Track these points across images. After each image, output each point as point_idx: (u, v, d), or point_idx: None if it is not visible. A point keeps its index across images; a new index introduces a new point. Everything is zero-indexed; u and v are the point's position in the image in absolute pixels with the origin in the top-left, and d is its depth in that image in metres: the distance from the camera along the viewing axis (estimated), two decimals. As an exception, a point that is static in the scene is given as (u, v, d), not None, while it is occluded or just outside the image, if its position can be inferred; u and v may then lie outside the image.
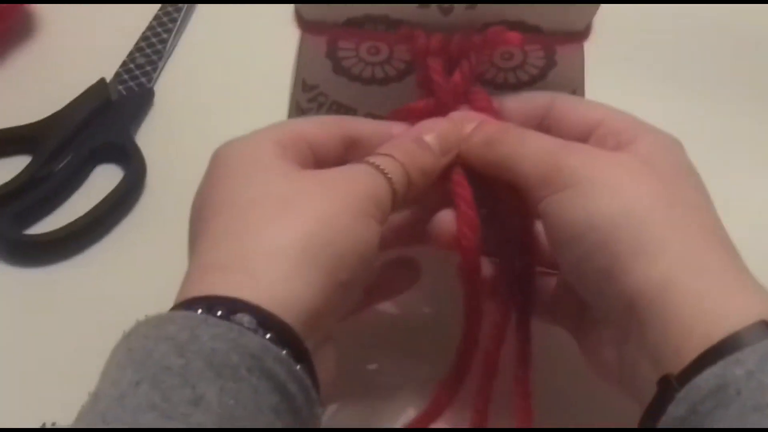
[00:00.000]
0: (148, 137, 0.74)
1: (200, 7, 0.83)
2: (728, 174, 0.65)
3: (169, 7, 0.82)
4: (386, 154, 0.52)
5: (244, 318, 0.43)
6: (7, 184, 0.69)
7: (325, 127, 0.54)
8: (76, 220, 0.67)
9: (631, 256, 0.47)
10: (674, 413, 0.43)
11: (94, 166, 0.72)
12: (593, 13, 0.56)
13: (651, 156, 0.50)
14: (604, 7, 0.55)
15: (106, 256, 0.67)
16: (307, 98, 0.59)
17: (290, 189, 0.48)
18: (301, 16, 0.56)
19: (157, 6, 0.82)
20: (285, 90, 0.60)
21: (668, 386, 0.44)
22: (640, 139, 0.51)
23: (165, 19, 0.81)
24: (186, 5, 0.82)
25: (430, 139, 0.54)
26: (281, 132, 0.52)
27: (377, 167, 0.51)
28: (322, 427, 0.47)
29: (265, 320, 0.43)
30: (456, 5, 0.54)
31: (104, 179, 0.71)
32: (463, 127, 0.55)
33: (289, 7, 0.56)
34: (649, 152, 0.51)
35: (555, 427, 0.56)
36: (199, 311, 0.43)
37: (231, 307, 0.43)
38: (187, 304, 0.44)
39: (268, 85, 0.63)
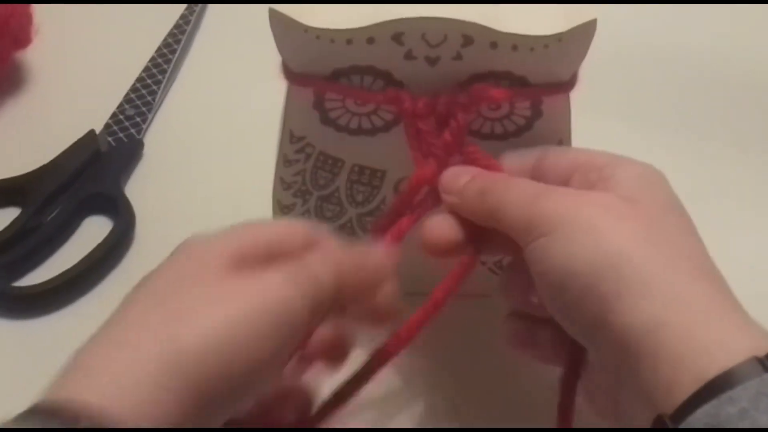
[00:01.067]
0: (138, 188, 0.74)
1: (189, 59, 0.84)
2: (715, 219, 0.65)
3: (159, 59, 0.82)
4: (320, 260, 0.50)
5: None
6: (-4, 235, 0.69)
7: (290, 233, 0.51)
8: (65, 272, 0.67)
9: (617, 299, 0.46)
10: None
11: (83, 218, 0.72)
12: (579, 63, 0.56)
13: (632, 191, 0.50)
14: (589, 56, 0.55)
15: (96, 308, 0.66)
16: (295, 150, 0.59)
17: (194, 297, 0.46)
18: (288, 67, 0.56)
19: (147, 58, 0.82)
20: (273, 142, 0.60)
21: (662, 426, 0.43)
22: (621, 172, 0.51)
23: (154, 70, 0.82)
24: (176, 55, 0.83)
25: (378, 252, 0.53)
26: (242, 237, 0.50)
27: (298, 281, 0.48)
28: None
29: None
30: (442, 57, 0.54)
31: (94, 231, 0.71)
32: (458, 179, 0.55)
33: (277, 59, 0.56)
34: (630, 186, 0.50)
35: (555, 427, 0.55)
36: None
37: (73, 413, 0.41)
38: (34, 410, 0.42)
39: (256, 136, 0.64)
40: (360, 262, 0.52)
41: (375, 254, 0.53)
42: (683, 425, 0.42)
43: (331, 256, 0.50)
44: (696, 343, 0.44)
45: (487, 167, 0.55)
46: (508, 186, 0.53)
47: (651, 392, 0.45)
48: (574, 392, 0.54)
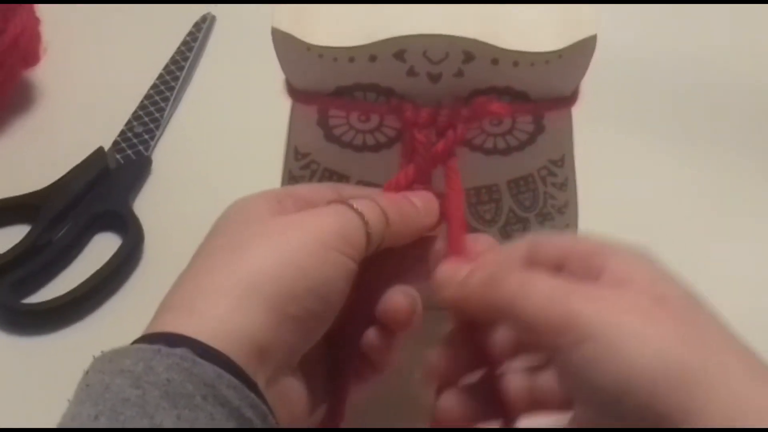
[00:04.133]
0: (146, 205, 0.74)
1: (197, 76, 0.85)
2: (720, 228, 0.66)
3: (167, 76, 0.83)
4: (367, 198, 0.53)
5: (184, 352, 0.44)
6: (6, 253, 0.70)
7: (319, 187, 0.57)
8: (74, 289, 0.68)
9: (681, 414, 0.43)
10: None
11: (92, 235, 0.73)
12: (580, 78, 0.56)
13: (657, 288, 0.47)
14: (590, 70, 0.56)
15: (105, 324, 0.67)
16: (299, 166, 0.59)
17: (257, 232, 0.50)
18: (291, 85, 0.57)
19: (155, 75, 0.83)
20: (280, 158, 0.61)
21: None
22: (620, 263, 0.48)
23: (162, 87, 0.82)
24: (183, 72, 0.83)
25: (414, 198, 0.55)
26: (281, 190, 0.55)
27: (351, 206, 0.52)
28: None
29: (204, 353, 0.45)
30: (444, 73, 0.55)
31: (102, 248, 0.72)
32: (457, 272, 0.52)
33: (282, 76, 0.57)
34: (653, 285, 0.47)
35: (554, 427, 0.56)
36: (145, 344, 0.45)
37: (171, 341, 0.45)
38: (135, 342, 0.46)
39: (263, 153, 0.64)
40: (401, 204, 0.54)
41: (409, 198, 0.55)
42: None
43: (378, 198, 0.54)
44: None
45: (453, 187, 0.55)
46: (527, 279, 0.49)
47: None
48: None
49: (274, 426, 0.46)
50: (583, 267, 0.48)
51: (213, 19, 0.90)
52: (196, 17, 0.89)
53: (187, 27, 0.88)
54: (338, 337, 0.55)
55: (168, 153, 0.78)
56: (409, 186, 0.56)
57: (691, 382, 0.43)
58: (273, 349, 0.47)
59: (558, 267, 0.49)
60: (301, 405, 0.51)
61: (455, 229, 0.56)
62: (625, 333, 0.44)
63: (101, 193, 0.74)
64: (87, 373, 0.45)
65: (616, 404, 0.44)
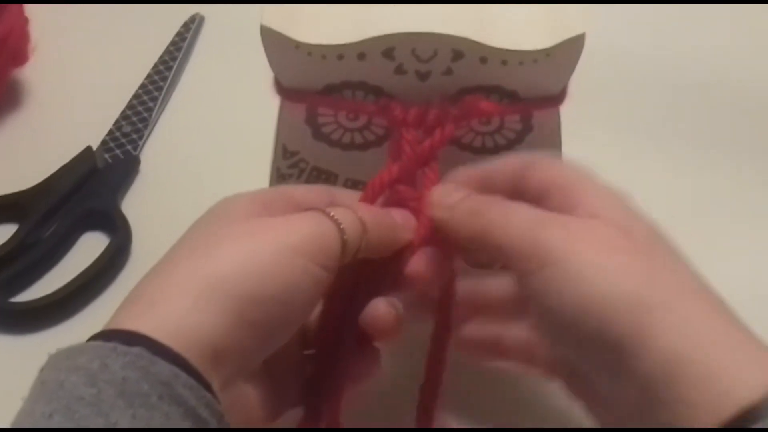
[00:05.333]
0: (134, 205, 0.74)
1: (185, 76, 0.85)
2: (707, 230, 0.66)
3: (155, 76, 0.83)
4: (346, 207, 0.53)
5: (140, 350, 0.44)
6: (-7, 252, 0.70)
7: (309, 189, 0.56)
8: (62, 288, 0.68)
9: (636, 339, 0.45)
10: None
11: (80, 234, 0.73)
12: (568, 77, 0.56)
13: (619, 217, 0.49)
14: (578, 69, 0.56)
15: (93, 323, 0.65)
16: (288, 164, 0.60)
17: (228, 232, 0.50)
18: (280, 83, 0.57)
19: (144, 75, 0.83)
20: (269, 156, 0.61)
21: None
22: (591, 197, 0.50)
23: (150, 87, 0.82)
24: (172, 72, 0.83)
25: (394, 213, 0.55)
26: (269, 191, 0.54)
27: (328, 215, 0.51)
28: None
29: (159, 352, 0.44)
30: (433, 71, 0.55)
31: (90, 247, 0.71)
32: (449, 196, 0.54)
33: (272, 74, 0.57)
34: (614, 213, 0.50)
35: (554, 427, 0.56)
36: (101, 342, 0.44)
37: (127, 339, 0.44)
38: (92, 338, 0.45)
39: (252, 152, 0.64)
40: (380, 217, 0.54)
41: (389, 213, 0.55)
42: None
43: (357, 207, 0.53)
44: (712, 381, 0.43)
45: (426, 186, 0.56)
46: (506, 210, 0.52)
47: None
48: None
49: (229, 427, 0.46)
50: (562, 198, 0.51)
51: (202, 19, 0.90)
52: (184, 17, 0.89)
53: (176, 27, 0.88)
54: (321, 345, 0.56)
55: (156, 152, 0.78)
56: (393, 185, 0.56)
57: (645, 311, 0.45)
58: (229, 352, 0.47)
59: (542, 195, 0.52)
60: (257, 410, 0.51)
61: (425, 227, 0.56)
62: (586, 261, 0.47)
63: (89, 193, 0.74)
64: (42, 370, 0.45)
65: (573, 328, 0.47)
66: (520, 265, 0.50)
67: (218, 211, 0.53)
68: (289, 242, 0.49)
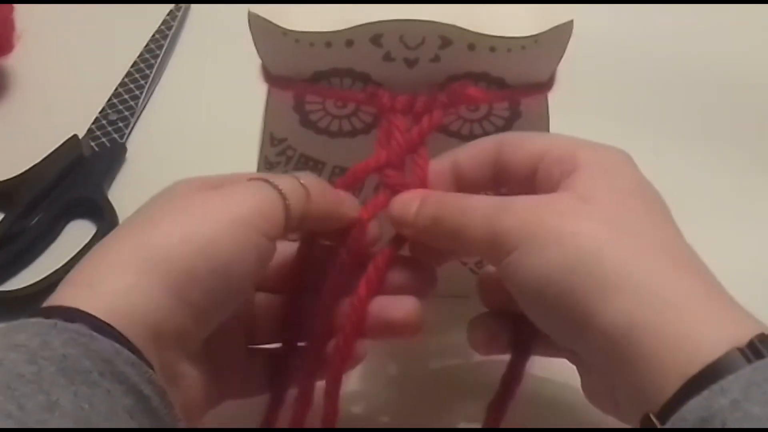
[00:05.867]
0: (121, 192, 0.74)
1: (172, 64, 0.84)
2: (701, 218, 0.66)
3: (141, 64, 0.83)
4: (291, 176, 0.53)
5: (81, 327, 0.44)
6: (-21, 241, 0.70)
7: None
8: (49, 276, 0.68)
9: (591, 302, 0.46)
10: None
11: (66, 222, 0.73)
12: (556, 64, 0.56)
13: (592, 186, 0.50)
14: (566, 56, 0.56)
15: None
16: (276, 152, 0.59)
17: (170, 208, 0.50)
18: (267, 70, 0.57)
19: (129, 63, 0.83)
20: (256, 144, 0.61)
21: (650, 424, 0.43)
22: (582, 167, 0.51)
23: (136, 75, 0.82)
24: (158, 60, 0.83)
25: (338, 189, 0.55)
26: (212, 176, 0.54)
27: (269, 182, 0.51)
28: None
29: (99, 329, 0.44)
30: (421, 59, 0.55)
31: (77, 235, 0.71)
32: (408, 209, 0.54)
33: (259, 62, 0.57)
34: (590, 183, 0.50)
35: (554, 427, 0.56)
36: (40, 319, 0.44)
37: (67, 315, 0.44)
38: (32, 315, 0.45)
39: (238, 139, 0.64)
40: (324, 187, 0.54)
41: (333, 188, 0.55)
42: (674, 418, 0.42)
43: (300, 180, 0.53)
44: (673, 340, 0.44)
45: (419, 176, 0.55)
46: (462, 207, 0.52)
47: (639, 392, 0.45)
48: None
49: (171, 404, 0.46)
50: (554, 176, 0.51)
51: (187, 8, 0.89)
52: (170, 5, 0.88)
53: (162, 15, 0.87)
54: (290, 336, 0.56)
55: (143, 140, 0.78)
56: (380, 171, 0.56)
57: (600, 272, 0.46)
58: (169, 330, 0.47)
59: (529, 177, 0.53)
60: (196, 392, 0.51)
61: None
62: (544, 236, 0.48)
63: (76, 181, 0.74)
64: None
65: (540, 297, 0.48)
66: (491, 259, 0.51)
67: (165, 191, 0.53)
68: (229, 211, 0.49)
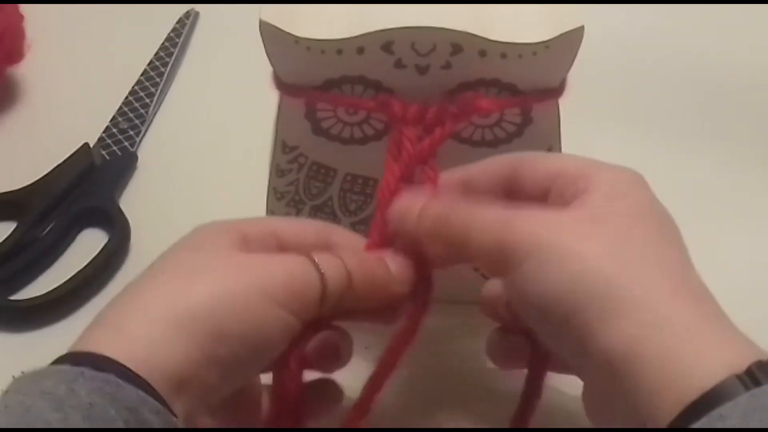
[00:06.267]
0: (132, 201, 0.74)
1: (181, 72, 0.84)
2: (707, 224, 0.66)
3: (151, 72, 0.83)
4: (334, 254, 0.52)
5: (108, 376, 0.44)
6: (-8, 250, 0.70)
7: (300, 227, 0.55)
8: (61, 285, 0.68)
9: (592, 324, 0.46)
10: None
11: (78, 231, 0.73)
12: (567, 70, 0.56)
13: (603, 207, 0.49)
14: (578, 61, 0.56)
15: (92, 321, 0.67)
16: (287, 159, 0.59)
17: (204, 264, 0.50)
18: (279, 78, 0.57)
19: (139, 71, 0.83)
20: (267, 152, 0.61)
21: None
22: (595, 187, 0.50)
23: (147, 83, 0.82)
24: (168, 68, 0.83)
25: (391, 262, 0.54)
26: (252, 224, 0.54)
27: (312, 261, 0.51)
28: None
29: (126, 376, 0.44)
30: (432, 65, 0.55)
31: (89, 244, 0.71)
32: (412, 209, 0.53)
33: (269, 70, 0.57)
34: (601, 204, 0.49)
35: (554, 427, 0.56)
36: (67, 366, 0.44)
37: (96, 364, 0.44)
38: (60, 360, 0.45)
39: (250, 147, 0.64)
40: (371, 269, 0.53)
41: (384, 262, 0.54)
42: None
43: (345, 256, 0.52)
44: (671, 365, 0.44)
45: (429, 188, 0.55)
46: (469, 216, 0.51)
47: (637, 416, 0.45)
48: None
49: None
50: (566, 195, 0.51)
51: (197, 15, 0.89)
52: (179, 13, 0.88)
53: (171, 23, 0.87)
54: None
55: (154, 149, 0.78)
56: (398, 185, 0.55)
57: (606, 295, 0.46)
58: (193, 385, 0.47)
59: (543, 194, 0.52)
60: None
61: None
62: (552, 253, 0.47)
63: (87, 190, 0.74)
64: (5, 393, 0.45)
65: (545, 316, 0.48)
66: (496, 270, 0.51)
67: (193, 238, 0.52)
68: (264, 286, 0.49)
